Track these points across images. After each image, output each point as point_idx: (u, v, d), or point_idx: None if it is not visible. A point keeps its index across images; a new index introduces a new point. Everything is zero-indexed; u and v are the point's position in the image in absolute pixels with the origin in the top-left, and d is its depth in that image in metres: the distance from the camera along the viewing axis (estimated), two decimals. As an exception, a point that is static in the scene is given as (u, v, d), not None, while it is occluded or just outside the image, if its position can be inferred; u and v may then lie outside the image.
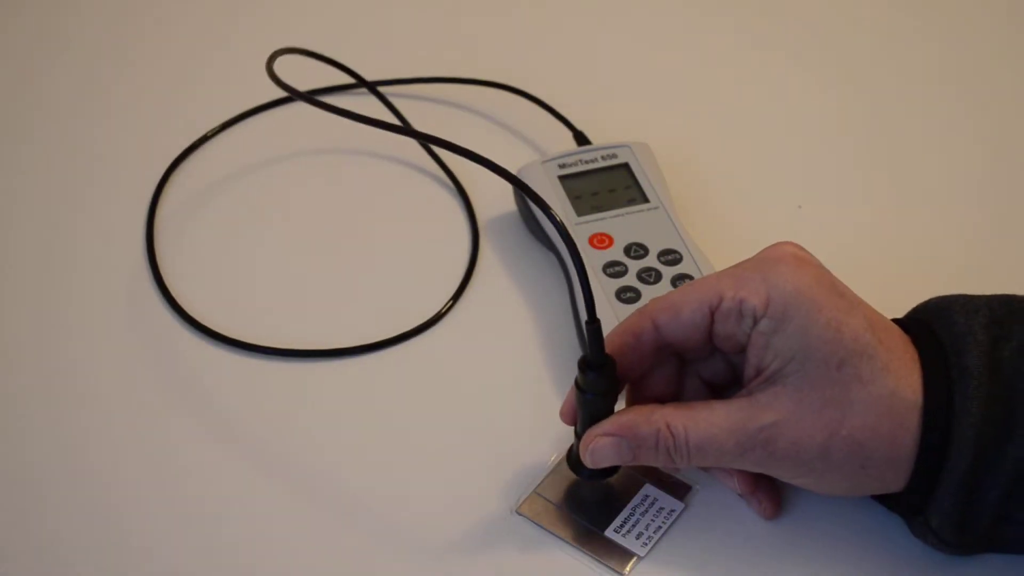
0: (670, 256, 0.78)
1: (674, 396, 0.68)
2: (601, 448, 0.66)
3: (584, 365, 0.65)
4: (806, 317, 0.63)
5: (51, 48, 0.96)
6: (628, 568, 0.67)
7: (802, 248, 0.67)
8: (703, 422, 0.64)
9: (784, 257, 0.66)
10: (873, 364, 0.63)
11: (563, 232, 0.64)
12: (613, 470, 0.68)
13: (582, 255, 0.77)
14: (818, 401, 0.63)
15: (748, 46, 0.98)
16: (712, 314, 0.65)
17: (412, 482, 0.71)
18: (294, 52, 0.77)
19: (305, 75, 0.90)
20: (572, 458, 0.69)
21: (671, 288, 0.76)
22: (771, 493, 0.68)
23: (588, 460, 0.66)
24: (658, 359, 0.67)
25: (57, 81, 0.94)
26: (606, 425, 0.66)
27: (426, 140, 0.68)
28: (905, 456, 0.63)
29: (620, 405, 0.67)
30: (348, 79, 0.90)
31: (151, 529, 0.69)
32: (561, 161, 0.83)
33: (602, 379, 0.65)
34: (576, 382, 0.66)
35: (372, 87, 0.90)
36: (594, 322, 0.64)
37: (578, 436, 0.68)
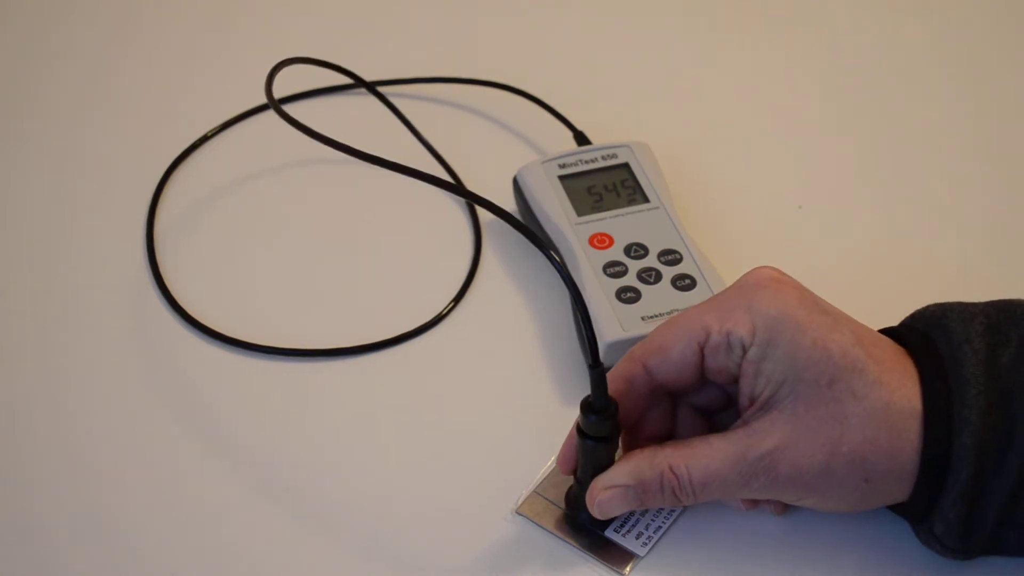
0: (670, 256, 0.78)
1: (670, 431, 0.69)
2: (609, 500, 0.66)
3: (587, 409, 0.65)
4: (792, 340, 0.63)
5: (51, 48, 0.96)
6: (628, 568, 0.67)
7: (779, 270, 0.66)
8: (703, 458, 0.64)
9: (763, 282, 0.65)
10: (865, 378, 0.63)
11: (566, 276, 0.63)
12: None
13: (583, 255, 0.77)
14: (814, 421, 0.63)
15: (748, 46, 0.98)
16: (701, 349, 0.65)
17: (413, 482, 0.71)
18: (292, 63, 0.76)
19: (306, 75, 0.90)
20: (571, 501, 0.69)
21: (672, 288, 0.76)
22: None
23: (597, 513, 0.66)
24: (652, 401, 0.67)
25: (57, 81, 0.93)
26: (610, 476, 0.66)
27: (475, 200, 0.67)
28: (907, 468, 0.63)
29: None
30: (352, 80, 0.90)
31: (150, 529, 0.69)
32: (561, 161, 0.83)
33: (605, 423, 0.65)
34: (578, 427, 0.66)
35: (372, 87, 0.90)
36: (597, 367, 0.63)
37: (579, 482, 0.68)
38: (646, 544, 0.68)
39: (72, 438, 0.73)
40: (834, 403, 0.63)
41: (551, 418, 0.73)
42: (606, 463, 0.66)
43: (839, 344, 0.63)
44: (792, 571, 0.67)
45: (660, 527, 0.68)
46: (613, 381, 0.66)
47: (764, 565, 0.67)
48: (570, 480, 0.69)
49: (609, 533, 0.68)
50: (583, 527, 0.68)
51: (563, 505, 0.69)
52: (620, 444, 0.67)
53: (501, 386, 0.76)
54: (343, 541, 0.69)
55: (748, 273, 0.67)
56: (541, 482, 0.70)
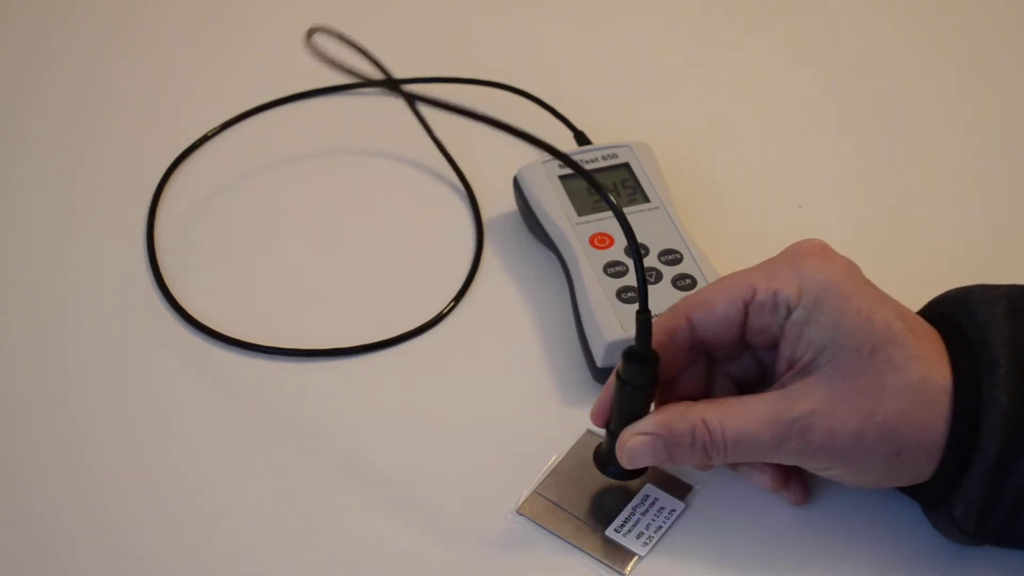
0: (671, 256, 0.78)
1: (704, 396, 0.68)
2: (638, 447, 0.66)
3: (629, 356, 0.65)
4: (837, 307, 0.64)
5: (50, 48, 0.96)
6: (629, 568, 0.67)
7: (827, 244, 0.67)
8: (739, 416, 0.65)
9: (812, 250, 0.66)
10: (904, 351, 0.63)
11: (621, 217, 0.63)
12: (641, 470, 0.68)
13: (583, 255, 0.77)
14: (852, 389, 0.63)
15: (748, 46, 0.98)
16: (746, 308, 0.66)
17: (413, 482, 0.71)
18: (327, 32, 0.76)
19: (306, 75, 0.90)
20: (601, 456, 0.69)
21: (672, 288, 0.76)
22: (801, 480, 0.69)
23: (625, 460, 0.66)
24: (691, 358, 0.68)
25: (57, 81, 0.93)
26: (642, 424, 0.66)
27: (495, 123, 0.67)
28: (936, 443, 0.63)
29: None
30: (358, 79, 0.89)
31: (151, 529, 0.69)
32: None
33: (646, 371, 0.65)
34: (617, 374, 0.66)
35: (396, 85, 0.88)
36: (645, 312, 0.63)
37: (610, 434, 0.67)
38: (647, 544, 0.68)
39: (72, 438, 0.73)
40: (873, 373, 0.63)
41: (551, 418, 0.73)
42: (640, 414, 0.66)
43: (882, 316, 0.64)
44: (792, 570, 0.67)
45: (661, 527, 0.69)
46: (656, 333, 0.65)
47: (764, 564, 0.67)
48: (571, 477, 0.69)
49: (610, 533, 0.68)
50: (584, 527, 0.68)
51: (564, 505, 0.69)
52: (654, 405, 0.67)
53: (501, 386, 0.76)
54: (343, 541, 0.69)
55: (796, 243, 0.67)
56: (541, 482, 0.70)
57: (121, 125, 0.91)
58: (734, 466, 0.69)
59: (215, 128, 0.89)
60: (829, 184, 0.88)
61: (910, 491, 0.67)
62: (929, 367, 0.63)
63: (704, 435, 0.65)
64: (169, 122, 0.90)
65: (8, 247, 0.83)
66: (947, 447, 0.63)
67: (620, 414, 0.66)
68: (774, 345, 0.66)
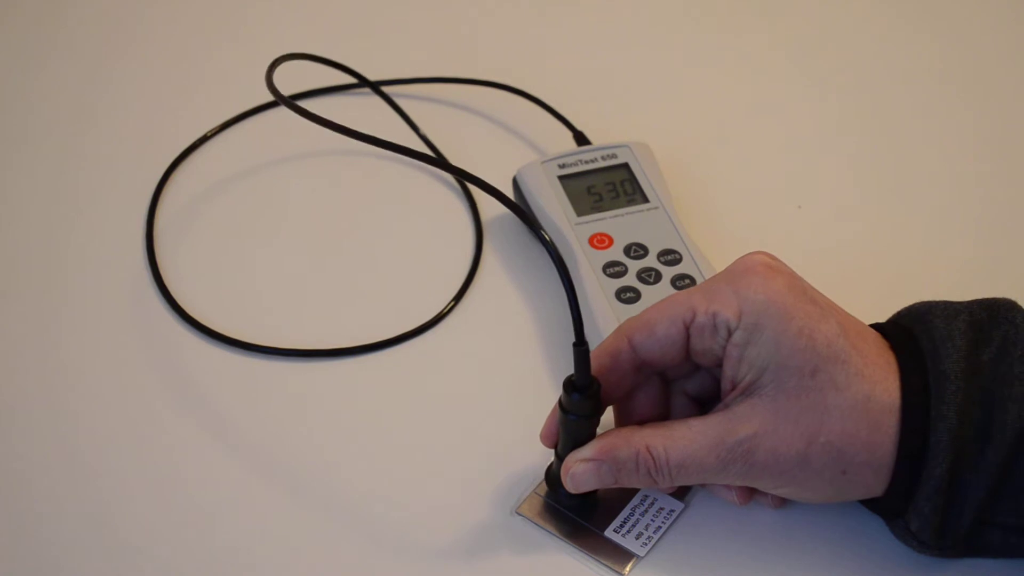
0: (670, 256, 0.78)
1: (661, 415, 0.68)
2: (582, 473, 0.66)
3: (569, 387, 0.65)
4: (777, 327, 0.63)
5: (50, 47, 0.96)
6: (628, 568, 0.67)
7: (773, 257, 0.66)
8: (682, 440, 0.64)
9: (754, 267, 0.65)
10: (847, 369, 0.63)
11: (553, 253, 0.63)
12: (592, 492, 0.68)
13: (583, 255, 0.77)
14: (794, 410, 0.63)
15: (748, 46, 0.98)
16: (687, 329, 0.65)
17: (412, 482, 0.71)
18: (295, 58, 0.77)
19: (308, 75, 0.90)
20: (551, 478, 0.69)
21: (671, 288, 0.76)
22: None
23: (569, 485, 0.67)
24: (639, 378, 0.67)
25: (57, 81, 0.94)
26: (586, 450, 0.66)
27: (449, 168, 0.68)
28: (884, 461, 0.63)
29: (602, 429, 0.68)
30: (351, 79, 0.90)
31: (149, 529, 0.69)
32: (561, 161, 0.83)
33: (586, 401, 0.65)
34: (560, 403, 0.66)
35: (376, 87, 0.90)
36: (581, 344, 0.64)
37: (559, 457, 0.68)
38: (646, 544, 0.68)
39: (72, 438, 0.73)
40: (815, 392, 0.63)
41: (551, 418, 0.73)
42: (585, 439, 0.67)
43: (824, 334, 0.63)
44: (791, 571, 0.67)
45: (660, 527, 0.69)
46: (599, 356, 0.66)
47: (763, 565, 0.67)
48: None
49: (609, 533, 0.68)
50: (583, 527, 0.69)
51: (563, 505, 0.69)
52: (615, 427, 0.67)
53: (501, 386, 0.76)
54: (343, 541, 0.69)
55: (740, 258, 0.67)
56: (541, 482, 0.70)
57: (121, 125, 0.91)
58: (690, 485, 0.69)
59: (215, 128, 0.90)
60: (828, 184, 0.88)
61: (868, 505, 0.67)
62: (873, 385, 0.63)
63: (648, 461, 0.65)
64: (169, 122, 0.90)
65: (8, 247, 0.83)
66: (896, 465, 0.63)
67: (566, 440, 0.67)
68: (720, 364, 0.66)
